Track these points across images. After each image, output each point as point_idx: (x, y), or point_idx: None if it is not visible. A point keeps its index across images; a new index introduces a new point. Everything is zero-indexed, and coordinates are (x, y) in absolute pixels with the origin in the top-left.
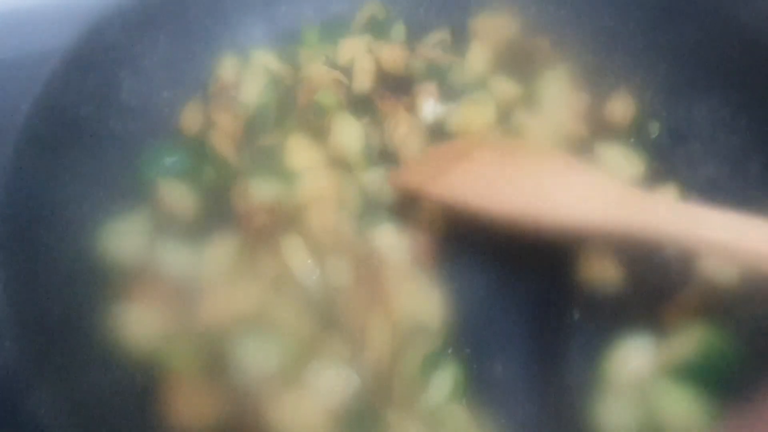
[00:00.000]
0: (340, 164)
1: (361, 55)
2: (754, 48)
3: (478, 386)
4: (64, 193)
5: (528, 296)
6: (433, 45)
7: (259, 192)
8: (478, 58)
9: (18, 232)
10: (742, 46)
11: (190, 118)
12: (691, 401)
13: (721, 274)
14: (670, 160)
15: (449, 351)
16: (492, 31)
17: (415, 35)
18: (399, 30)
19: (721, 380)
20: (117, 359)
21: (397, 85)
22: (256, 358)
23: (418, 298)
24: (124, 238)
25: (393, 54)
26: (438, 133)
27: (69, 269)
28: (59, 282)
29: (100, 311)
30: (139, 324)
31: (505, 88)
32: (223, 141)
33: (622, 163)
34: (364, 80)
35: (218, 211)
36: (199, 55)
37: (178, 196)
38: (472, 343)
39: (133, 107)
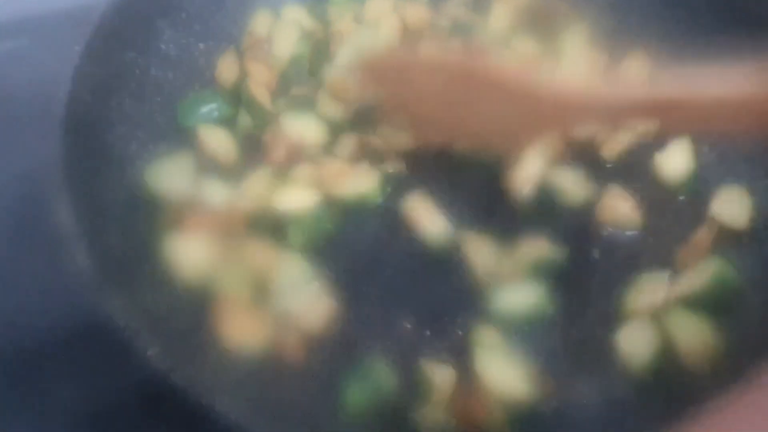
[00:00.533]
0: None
1: (386, 14)
2: None
3: None
4: (113, 133)
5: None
6: (457, 4)
7: (289, 128)
8: (500, 17)
9: (77, 163)
10: (761, 9)
11: (226, 69)
12: (702, 328)
13: (730, 217)
14: None
15: None
16: None
17: None
18: None
19: (729, 308)
20: (173, 282)
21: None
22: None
23: None
24: (169, 177)
25: (418, 12)
26: None
27: (125, 200)
28: (118, 210)
29: (155, 238)
30: (188, 251)
31: (526, 46)
32: (258, 90)
33: None
34: (390, 38)
35: (254, 154)
36: (233, 11)
37: (217, 140)
38: None
39: (172, 56)
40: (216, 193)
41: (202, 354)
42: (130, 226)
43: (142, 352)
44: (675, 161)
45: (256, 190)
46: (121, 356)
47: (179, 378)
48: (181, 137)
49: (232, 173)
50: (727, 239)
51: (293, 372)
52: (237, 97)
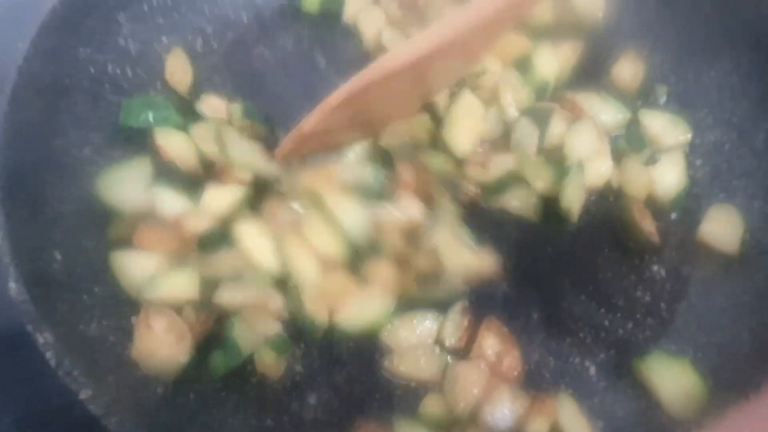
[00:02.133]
0: None
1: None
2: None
3: None
4: (65, 138)
5: None
6: None
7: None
8: None
9: (19, 174)
10: (755, 11)
11: (178, 70)
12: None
13: (721, 239)
14: None
15: None
16: None
17: None
18: None
19: None
20: (117, 303)
21: None
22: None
23: None
24: (124, 186)
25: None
26: None
27: (71, 213)
28: (62, 226)
29: (101, 255)
30: (139, 268)
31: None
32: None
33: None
34: None
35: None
36: (200, 1)
37: (176, 146)
38: None
39: (132, 52)
40: (172, 205)
41: (129, 387)
42: (76, 243)
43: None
44: (667, 176)
45: (215, 205)
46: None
47: (109, 421)
48: (141, 141)
49: (190, 183)
50: (716, 263)
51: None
52: (191, 106)
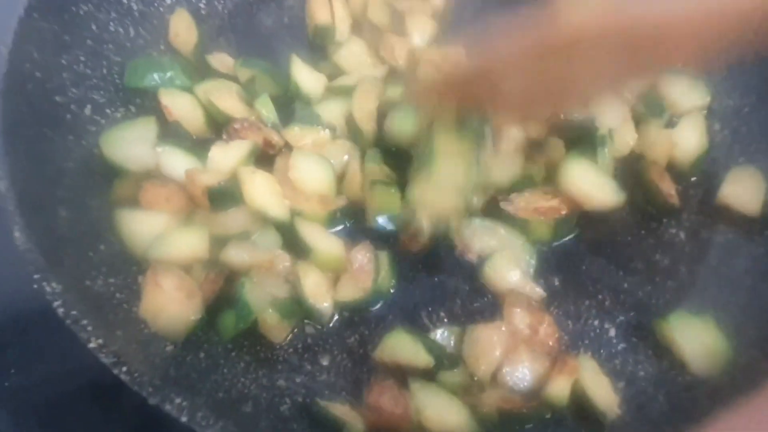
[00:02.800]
0: None
1: None
2: None
3: None
4: (65, 95)
5: None
6: None
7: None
8: None
9: (20, 125)
10: None
11: (182, 31)
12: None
13: (742, 201)
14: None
15: None
16: None
17: None
18: None
19: None
20: (124, 262)
21: None
22: None
23: None
24: (128, 145)
25: None
26: None
27: (76, 170)
28: (67, 181)
29: (105, 213)
30: (145, 227)
31: None
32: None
33: None
34: None
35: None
36: None
37: (182, 107)
38: None
39: (135, 11)
40: (178, 165)
41: (138, 342)
42: (80, 200)
43: (85, 343)
44: (686, 139)
45: (222, 161)
46: (67, 343)
47: (120, 370)
48: (143, 102)
49: (195, 144)
50: (737, 225)
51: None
52: (195, 67)
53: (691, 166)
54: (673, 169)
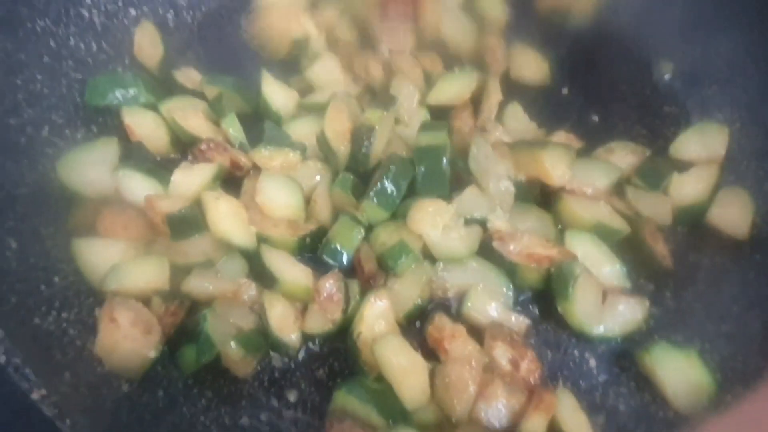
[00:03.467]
0: None
1: None
2: None
3: None
4: (20, 116)
5: None
6: None
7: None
8: None
9: None
10: None
11: (146, 44)
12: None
13: (730, 223)
14: (683, 103)
15: None
16: None
17: None
18: None
19: None
20: (78, 294)
21: None
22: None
23: None
24: (87, 168)
25: None
26: None
27: (27, 197)
28: (17, 211)
29: (61, 242)
30: (103, 256)
31: None
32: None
33: None
34: None
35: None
36: None
37: (146, 126)
38: None
39: (97, 25)
40: (139, 189)
41: (88, 385)
42: (33, 230)
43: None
44: (692, 190)
45: (185, 185)
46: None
47: (63, 423)
48: (105, 121)
49: (158, 166)
50: (726, 249)
51: None
52: (161, 83)
53: (689, 214)
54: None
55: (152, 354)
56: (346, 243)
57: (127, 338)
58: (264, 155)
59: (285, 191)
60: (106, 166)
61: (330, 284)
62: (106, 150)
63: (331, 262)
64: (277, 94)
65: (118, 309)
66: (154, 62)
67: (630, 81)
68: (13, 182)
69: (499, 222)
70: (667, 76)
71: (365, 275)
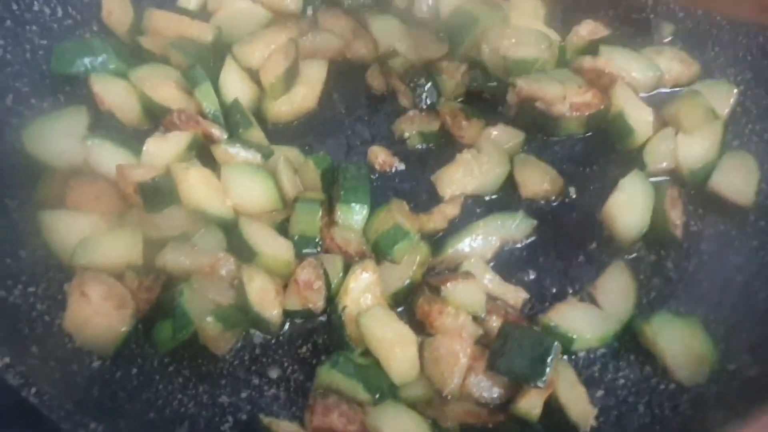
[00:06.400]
0: None
1: None
2: None
3: None
4: None
5: None
6: None
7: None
8: None
9: None
10: None
11: (116, 8)
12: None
13: (734, 189)
14: None
15: None
16: None
17: None
18: None
19: None
20: (47, 269)
21: None
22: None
23: None
24: (54, 138)
25: None
26: None
27: None
28: None
29: (27, 215)
30: (72, 229)
31: None
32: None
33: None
34: None
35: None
36: None
37: (115, 95)
38: None
39: None
40: (110, 159)
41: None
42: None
43: None
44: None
45: (157, 157)
46: None
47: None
48: (73, 90)
49: (129, 136)
50: (729, 216)
51: None
52: (131, 50)
53: (697, 176)
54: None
55: (124, 328)
56: (308, 228)
57: (98, 313)
58: (225, 151)
59: (254, 183)
60: (74, 136)
61: (307, 272)
62: (75, 119)
63: (306, 252)
64: (233, 83)
65: (89, 283)
66: (123, 28)
67: None
68: None
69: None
70: (668, 39)
71: (351, 256)
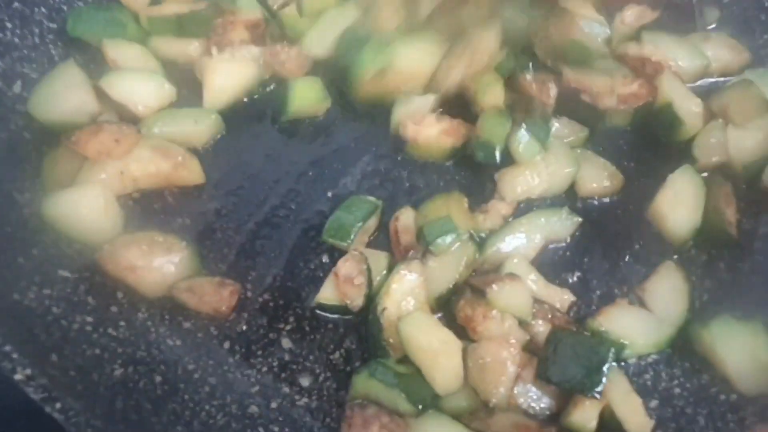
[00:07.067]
0: None
1: None
2: None
3: None
4: None
5: None
6: None
7: None
8: None
9: None
10: None
11: None
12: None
13: None
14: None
15: None
16: None
17: None
18: None
19: None
20: (57, 268)
21: None
22: None
23: None
24: (61, 95)
25: None
26: None
27: (2, 160)
28: None
29: (37, 210)
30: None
31: None
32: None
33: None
34: None
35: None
36: None
37: (132, 60)
38: None
39: None
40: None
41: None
42: (7, 196)
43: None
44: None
45: None
46: None
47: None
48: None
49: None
50: None
51: None
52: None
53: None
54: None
55: None
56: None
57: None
58: None
59: None
60: (78, 87)
61: (350, 265)
62: (71, 74)
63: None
64: None
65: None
66: (141, 4)
67: None
68: None
69: None
70: (712, 26)
71: (401, 247)
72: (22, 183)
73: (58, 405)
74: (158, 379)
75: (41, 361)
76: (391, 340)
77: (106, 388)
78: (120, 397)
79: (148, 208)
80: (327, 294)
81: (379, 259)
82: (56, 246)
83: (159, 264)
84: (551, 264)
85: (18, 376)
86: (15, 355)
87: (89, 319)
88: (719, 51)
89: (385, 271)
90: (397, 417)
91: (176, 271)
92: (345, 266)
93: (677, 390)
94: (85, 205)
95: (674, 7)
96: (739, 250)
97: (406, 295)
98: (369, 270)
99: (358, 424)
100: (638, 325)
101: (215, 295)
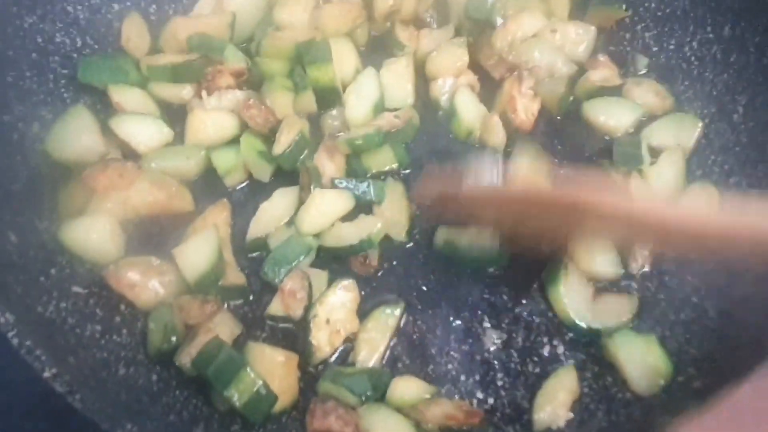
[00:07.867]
0: None
1: None
2: None
3: None
4: (11, 113)
5: None
6: None
7: None
8: None
9: None
10: None
11: (135, 35)
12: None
13: None
14: None
15: None
16: None
17: None
18: None
19: None
20: (71, 284)
21: None
22: None
23: None
24: (74, 136)
25: None
26: None
27: (22, 192)
28: (14, 206)
29: (54, 235)
30: (95, 235)
31: None
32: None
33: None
34: None
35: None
36: None
37: (135, 103)
38: None
39: (81, 21)
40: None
41: (89, 368)
42: (29, 223)
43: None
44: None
45: None
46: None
47: (73, 398)
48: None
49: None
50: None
51: None
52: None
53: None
54: None
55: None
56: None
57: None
58: None
59: None
60: (90, 130)
61: (294, 282)
62: (81, 116)
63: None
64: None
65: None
66: (141, 53)
67: None
68: (9, 178)
69: None
70: (642, 71)
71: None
72: (42, 212)
73: (78, 396)
74: (154, 377)
75: (62, 362)
76: (314, 342)
77: (113, 383)
78: (123, 391)
79: (146, 231)
80: (275, 306)
81: (320, 277)
82: (70, 266)
83: (153, 284)
84: None
85: (46, 374)
86: (43, 357)
87: (98, 327)
88: (647, 96)
89: (324, 287)
90: (350, 408)
91: (166, 291)
92: (290, 282)
93: (585, 390)
94: (94, 231)
95: (610, 54)
96: (648, 274)
97: (337, 307)
98: (310, 285)
99: (319, 415)
100: None
101: (199, 311)
